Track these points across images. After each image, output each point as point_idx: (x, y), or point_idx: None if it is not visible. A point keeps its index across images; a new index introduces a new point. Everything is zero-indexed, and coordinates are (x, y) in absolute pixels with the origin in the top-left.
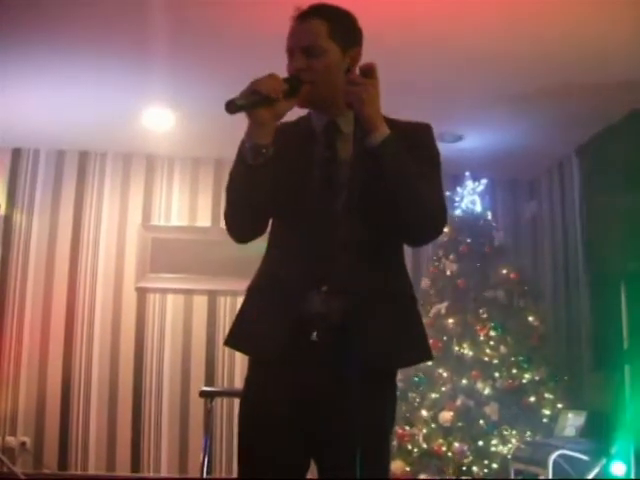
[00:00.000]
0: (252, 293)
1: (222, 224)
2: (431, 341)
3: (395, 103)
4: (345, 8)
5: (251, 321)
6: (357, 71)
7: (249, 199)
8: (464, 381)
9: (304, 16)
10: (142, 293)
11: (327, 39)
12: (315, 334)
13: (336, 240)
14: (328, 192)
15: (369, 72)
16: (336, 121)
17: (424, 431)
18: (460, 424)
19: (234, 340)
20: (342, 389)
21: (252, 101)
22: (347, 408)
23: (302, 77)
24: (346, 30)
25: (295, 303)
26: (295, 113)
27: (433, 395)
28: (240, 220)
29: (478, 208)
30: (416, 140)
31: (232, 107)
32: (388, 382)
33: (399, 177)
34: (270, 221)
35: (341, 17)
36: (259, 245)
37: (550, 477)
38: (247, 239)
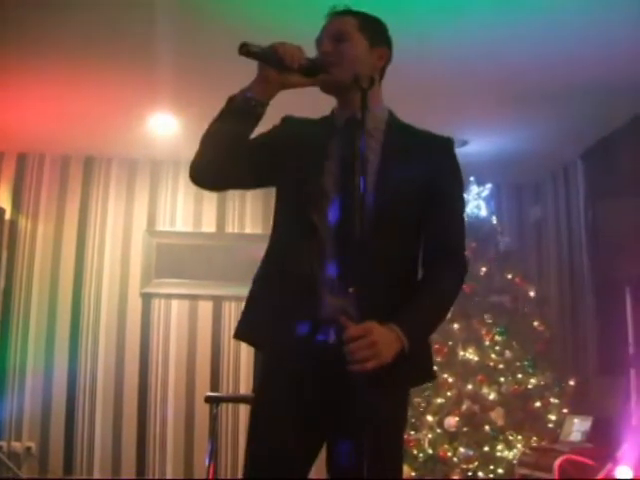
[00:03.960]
0: (262, 287)
1: (227, 229)
2: (436, 346)
3: (400, 108)
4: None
5: (265, 315)
6: None
7: (221, 139)
8: (469, 386)
9: (336, 13)
10: (147, 298)
11: (356, 30)
12: (331, 335)
13: (354, 245)
14: (344, 191)
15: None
16: (357, 116)
17: (429, 436)
18: (465, 429)
19: (245, 333)
20: (355, 391)
21: (262, 54)
22: (360, 408)
23: (327, 60)
24: (375, 28)
25: (312, 304)
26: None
27: (438, 400)
28: (204, 159)
29: (483, 213)
30: (442, 159)
31: (243, 49)
32: (401, 387)
33: (435, 327)
34: (274, 209)
35: (372, 18)
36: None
37: None
38: (206, 180)
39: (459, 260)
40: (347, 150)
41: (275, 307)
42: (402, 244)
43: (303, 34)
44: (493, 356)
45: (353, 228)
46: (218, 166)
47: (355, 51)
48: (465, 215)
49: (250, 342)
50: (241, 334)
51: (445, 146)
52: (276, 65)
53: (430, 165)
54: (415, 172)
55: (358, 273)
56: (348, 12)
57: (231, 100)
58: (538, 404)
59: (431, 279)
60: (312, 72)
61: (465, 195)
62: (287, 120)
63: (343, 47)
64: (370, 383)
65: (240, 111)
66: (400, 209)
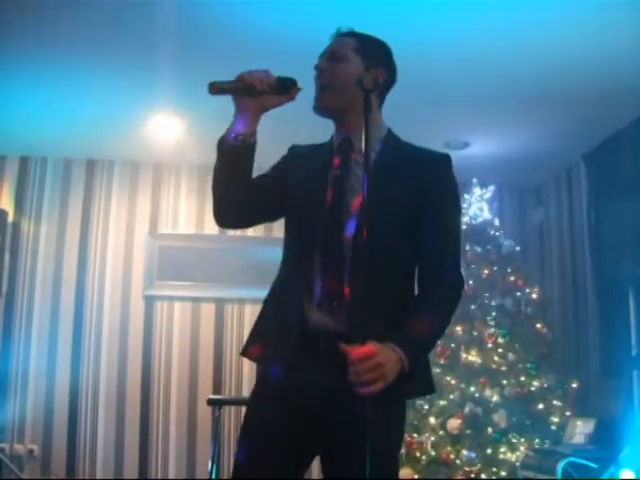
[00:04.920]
0: (266, 305)
1: (230, 232)
2: (439, 348)
3: (402, 111)
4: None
5: (261, 333)
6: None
7: (226, 181)
8: (472, 388)
9: (338, 34)
10: (150, 301)
11: (352, 51)
12: (322, 346)
13: (345, 260)
14: (338, 211)
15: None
16: (350, 138)
17: (432, 438)
18: (468, 431)
19: (249, 350)
20: (347, 402)
21: (233, 87)
22: (352, 420)
23: (320, 79)
24: (373, 49)
25: (302, 317)
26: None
27: (441, 402)
28: (219, 202)
29: (485, 215)
30: (439, 177)
31: (211, 87)
32: (397, 405)
33: (433, 344)
34: (283, 237)
35: (371, 39)
36: (267, 254)
37: None
38: (229, 223)
39: (454, 277)
40: (340, 171)
41: (269, 324)
42: (391, 259)
43: (303, 32)
44: (496, 358)
45: (341, 245)
46: (234, 209)
47: (348, 70)
48: (461, 230)
49: (248, 358)
50: (242, 351)
51: (440, 162)
52: (249, 92)
53: (423, 181)
54: (405, 189)
55: (343, 288)
56: (349, 34)
57: (221, 143)
58: (541, 406)
59: (427, 296)
60: (284, 89)
61: (468, 197)
62: (292, 150)
63: (337, 66)
64: (366, 399)
65: (233, 150)
66: (386, 223)
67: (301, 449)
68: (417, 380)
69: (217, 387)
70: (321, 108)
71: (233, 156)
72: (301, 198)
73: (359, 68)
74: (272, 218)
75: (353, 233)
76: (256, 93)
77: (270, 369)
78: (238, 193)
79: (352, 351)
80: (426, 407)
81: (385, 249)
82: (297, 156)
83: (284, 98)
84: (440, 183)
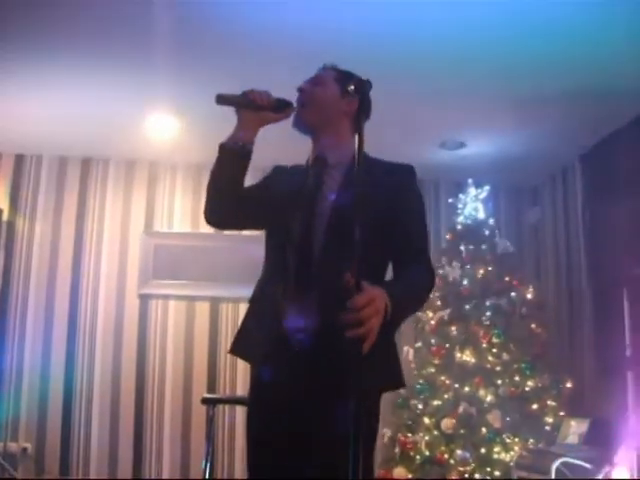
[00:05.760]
0: (249, 305)
1: (225, 231)
2: (434, 348)
3: (398, 111)
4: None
5: (245, 331)
6: None
7: (222, 182)
8: (466, 388)
9: (323, 67)
10: (144, 300)
11: (332, 79)
12: (296, 344)
13: (317, 262)
14: (311, 217)
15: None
16: (325, 154)
17: (426, 438)
18: (462, 431)
19: (234, 348)
20: (322, 394)
21: (238, 100)
22: (328, 412)
23: (301, 97)
24: (351, 82)
25: (279, 317)
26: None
27: (435, 402)
28: (212, 202)
29: (481, 215)
30: (404, 183)
31: (220, 99)
32: (372, 394)
33: (411, 311)
34: (265, 243)
35: (352, 74)
36: (262, 254)
37: None
38: (217, 222)
39: (427, 259)
40: (312, 183)
41: (251, 324)
42: (362, 261)
43: (301, 32)
44: (490, 358)
45: (312, 250)
46: (224, 210)
47: (325, 93)
48: (428, 231)
49: (238, 356)
50: (230, 349)
51: (405, 172)
52: (251, 106)
53: (389, 190)
54: (375, 197)
55: (314, 288)
56: (333, 67)
57: (222, 146)
58: (535, 406)
59: (408, 272)
60: (280, 108)
61: (463, 197)
62: (275, 169)
63: (316, 88)
64: (340, 391)
65: (232, 153)
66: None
67: (293, 432)
68: (388, 373)
69: (211, 386)
70: (299, 123)
71: (231, 159)
72: (279, 207)
73: (336, 94)
74: (254, 225)
75: (324, 238)
76: (257, 108)
77: (254, 368)
78: (229, 195)
79: (354, 299)
80: (420, 407)
81: (349, 252)
82: (278, 174)
83: (281, 116)
84: (408, 190)
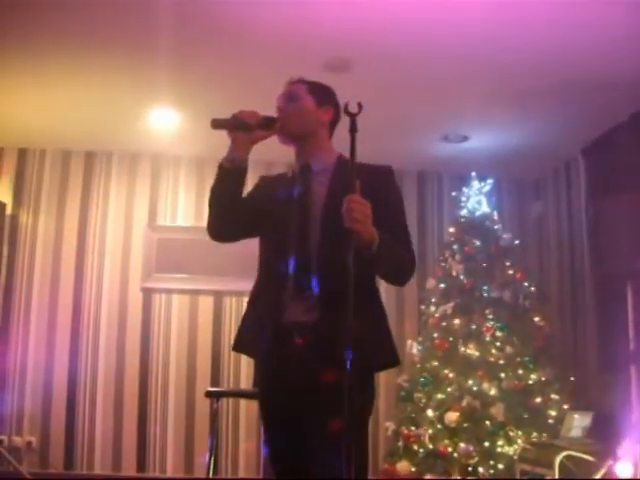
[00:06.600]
0: (248, 307)
1: None
2: (437, 342)
3: (401, 105)
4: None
5: (246, 327)
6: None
7: (222, 198)
8: (470, 382)
9: (290, 82)
10: (148, 293)
11: (306, 92)
12: (296, 338)
13: (311, 259)
14: (306, 220)
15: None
16: (309, 162)
17: (430, 432)
18: (466, 425)
19: (237, 346)
20: (322, 382)
21: (230, 123)
22: (328, 399)
23: (279, 115)
24: (323, 92)
25: (278, 312)
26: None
27: (439, 396)
28: (214, 218)
29: (484, 208)
30: (384, 183)
31: (215, 123)
32: (366, 377)
33: (390, 265)
34: (259, 247)
35: (320, 84)
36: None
37: (556, 478)
38: (220, 236)
39: (412, 249)
40: (300, 189)
41: (252, 323)
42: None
43: (300, 28)
44: (494, 352)
45: (309, 249)
46: (226, 223)
47: (301, 107)
48: (407, 227)
49: (241, 352)
50: (233, 346)
51: (385, 172)
52: (242, 127)
53: (372, 190)
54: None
55: (312, 285)
56: (301, 80)
57: (220, 166)
58: (539, 400)
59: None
60: (269, 125)
61: (466, 190)
62: (262, 179)
63: (294, 105)
64: (337, 368)
65: (229, 170)
66: (344, 231)
67: (297, 421)
68: (384, 352)
69: (215, 379)
70: (284, 135)
71: (229, 177)
72: (275, 214)
73: (312, 105)
74: (253, 233)
75: (319, 238)
76: (248, 128)
77: (257, 362)
78: (230, 208)
79: (352, 195)
80: (424, 400)
81: (340, 252)
82: (267, 183)
83: (269, 132)
84: (389, 188)
